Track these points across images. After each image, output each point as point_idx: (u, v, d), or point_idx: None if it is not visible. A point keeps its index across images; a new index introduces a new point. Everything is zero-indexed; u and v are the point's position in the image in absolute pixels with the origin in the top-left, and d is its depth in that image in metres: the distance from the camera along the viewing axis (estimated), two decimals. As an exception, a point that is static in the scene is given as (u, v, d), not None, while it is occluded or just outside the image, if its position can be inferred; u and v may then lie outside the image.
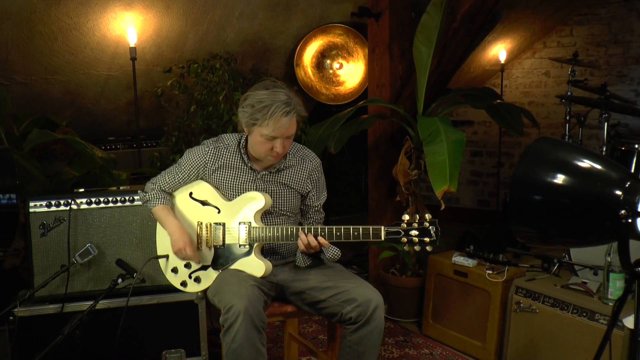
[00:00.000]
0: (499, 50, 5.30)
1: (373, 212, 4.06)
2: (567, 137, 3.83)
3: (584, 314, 2.54)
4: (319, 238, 2.23)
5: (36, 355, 2.24)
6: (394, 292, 3.63)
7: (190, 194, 2.48)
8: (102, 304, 2.71)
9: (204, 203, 2.45)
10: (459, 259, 3.14)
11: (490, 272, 2.97)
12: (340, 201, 5.58)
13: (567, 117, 3.80)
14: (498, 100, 3.54)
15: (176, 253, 2.40)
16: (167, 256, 2.52)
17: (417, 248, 2.16)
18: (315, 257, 2.43)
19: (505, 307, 2.89)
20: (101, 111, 4.26)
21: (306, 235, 2.24)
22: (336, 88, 4.93)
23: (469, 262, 3.09)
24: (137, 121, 3.93)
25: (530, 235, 1.73)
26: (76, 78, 3.90)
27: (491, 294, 2.95)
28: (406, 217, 2.17)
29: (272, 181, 2.42)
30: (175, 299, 2.84)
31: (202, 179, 2.46)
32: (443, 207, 2.94)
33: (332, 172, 5.09)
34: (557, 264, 2.91)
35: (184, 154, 2.48)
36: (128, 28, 3.70)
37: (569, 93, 3.79)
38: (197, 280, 2.45)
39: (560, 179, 1.48)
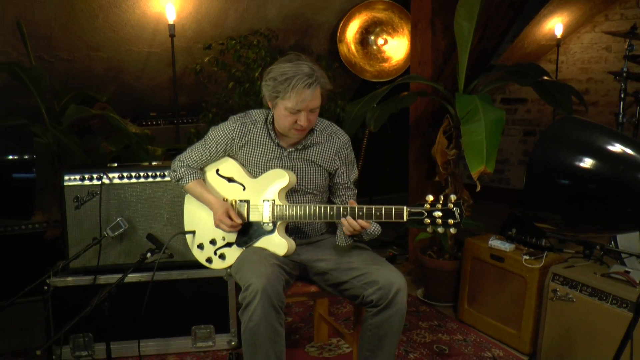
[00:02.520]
0: (555, 25, 5.03)
1: (413, 192, 3.98)
2: (621, 116, 3.61)
3: (624, 305, 2.40)
4: (359, 221, 2.17)
5: (65, 326, 2.30)
6: (430, 275, 3.55)
7: (217, 170, 2.48)
8: (132, 277, 2.78)
9: (229, 180, 2.45)
10: (495, 243, 3.02)
11: (528, 257, 2.84)
12: (384, 180, 5.51)
13: (622, 95, 3.57)
14: (545, 77, 3.36)
15: (218, 225, 2.38)
16: (193, 232, 2.54)
17: (440, 230, 2.09)
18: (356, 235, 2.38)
19: (541, 294, 2.77)
20: (143, 87, 4.33)
21: (346, 219, 2.18)
22: (381, 64, 4.83)
23: (505, 247, 2.97)
24: (176, 97, 3.97)
25: (556, 222, 1.64)
26: (118, 55, 3.97)
27: (527, 280, 2.83)
28: (430, 197, 2.10)
29: (299, 158, 2.39)
30: (205, 275, 2.88)
31: (229, 155, 2.46)
32: (479, 188, 2.83)
33: (375, 151, 5.03)
34: (602, 251, 2.76)
35: (210, 131, 2.48)
36: (167, 5, 3.72)
37: (625, 69, 3.56)
38: (222, 257, 2.46)
39: (580, 161, 1.38)
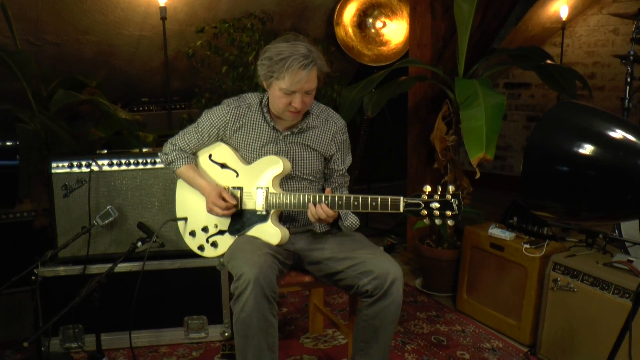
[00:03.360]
0: (560, 6, 4.99)
1: (412, 179, 3.97)
2: (627, 100, 3.59)
3: (627, 295, 2.40)
4: (322, 205, 2.18)
5: (54, 317, 2.30)
6: (428, 265, 3.56)
7: (210, 156, 2.48)
8: (123, 267, 2.78)
9: (222, 166, 2.44)
10: (495, 231, 3.02)
11: (528, 246, 2.84)
12: (383, 168, 5.50)
13: (628, 79, 3.55)
14: (548, 61, 3.34)
15: (211, 210, 2.38)
16: (185, 219, 2.54)
17: (437, 222, 2.08)
18: (334, 225, 2.39)
19: (542, 284, 2.77)
20: (135, 72, 4.31)
21: (315, 207, 2.20)
22: (379, 48, 4.80)
23: (505, 235, 2.96)
24: (167, 82, 3.96)
25: (555, 210, 1.63)
26: (108, 38, 3.95)
27: (528, 269, 2.83)
28: (427, 188, 2.08)
29: (294, 142, 2.38)
30: (198, 265, 2.87)
31: (222, 140, 2.45)
32: (478, 175, 2.83)
33: (373, 137, 5.01)
34: (605, 240, 2.76)
35: (203, 114, 2.47)
36: (158, -14, 3.70)
37: (632, 52, 3.53)
38: (214, 245, 2.45)
39: (579, 147, 1.37)
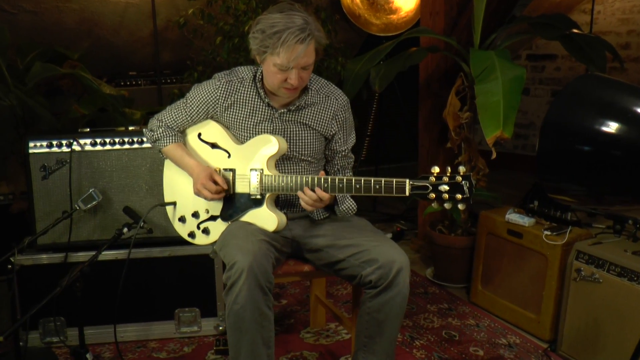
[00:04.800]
0: (589, -31, 4.92)
1: (423, 159, 3.95)
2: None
3: (657, 287, 2.39)
4: (317, 190, 2.17)
5: (33, 308, 2.31)
6: (441, 253, 3.55)
7: (199, 135, 2.46)
8: (108, 254, 2.78)
9: (213, 146, 2.43)
10: (513, 217, 3.00)
11: (549, 233, 2.82)
12: (393, 148, 5.47)
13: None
14: (575, 30, 3.29)
15: (199, 192, 2.36)
16: (174, 203, 2.53)
17: (447, 206, 2.06)
18: (331, 210, 2.40)
19: (564, 274, 2.76)
20: (122, 43, 4.29)
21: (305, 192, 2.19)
22: (388, 17, 4.76)
23: (524, 221, 2.94)
24: (156, 54, 3.94)
25: (576, 193, 1.61)
26: (91, 6, 3.93)
27: (549, 258, 2.82)
28: (436, 169, 2.06)
29: (291, 120, 2.36)
30: (189, 252, 2.88)
31: (212, 117, 2.43)
32: (494, 155, 2.80)
33: (382, 114, 4.98)
34: (635, 226, 2.73)
35: (192, 89, 2.46)
36: (145, -53, 3.66)
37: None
38: (206, 231, 2.45)
39: (602, 124, 1.34)
